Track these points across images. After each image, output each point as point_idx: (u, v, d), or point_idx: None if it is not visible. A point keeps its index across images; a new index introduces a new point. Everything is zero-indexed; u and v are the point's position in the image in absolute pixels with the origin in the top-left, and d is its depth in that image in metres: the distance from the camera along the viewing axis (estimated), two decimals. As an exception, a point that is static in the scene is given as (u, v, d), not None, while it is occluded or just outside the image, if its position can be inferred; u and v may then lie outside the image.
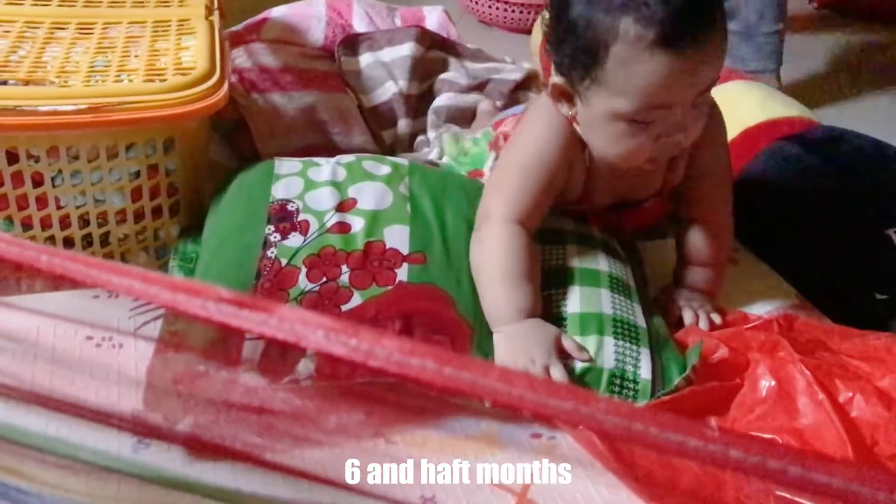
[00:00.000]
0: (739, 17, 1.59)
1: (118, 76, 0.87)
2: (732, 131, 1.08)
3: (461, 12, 1.98)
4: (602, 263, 0.87)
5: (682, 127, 0.77)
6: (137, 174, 0.88)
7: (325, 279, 0.79)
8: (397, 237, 0.83)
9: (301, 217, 0.84)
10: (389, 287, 0.79)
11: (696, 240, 0.91)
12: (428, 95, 1.26)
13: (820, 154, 1.05)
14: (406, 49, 1.27)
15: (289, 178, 0.89)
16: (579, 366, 0.77)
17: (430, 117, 1.22)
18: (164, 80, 0.85)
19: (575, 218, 0.92)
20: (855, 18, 2.09)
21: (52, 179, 0.86)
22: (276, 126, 1.13)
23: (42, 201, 0.87)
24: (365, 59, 1.28)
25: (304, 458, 0.68)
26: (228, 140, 1.14)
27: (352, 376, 0.75)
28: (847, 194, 1.01)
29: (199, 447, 0.66)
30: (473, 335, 0.79)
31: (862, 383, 0.74)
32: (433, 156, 1.11)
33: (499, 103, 1.23)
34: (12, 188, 0.85)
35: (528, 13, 1.90)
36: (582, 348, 0.77)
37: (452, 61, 1.31)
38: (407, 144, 1.22)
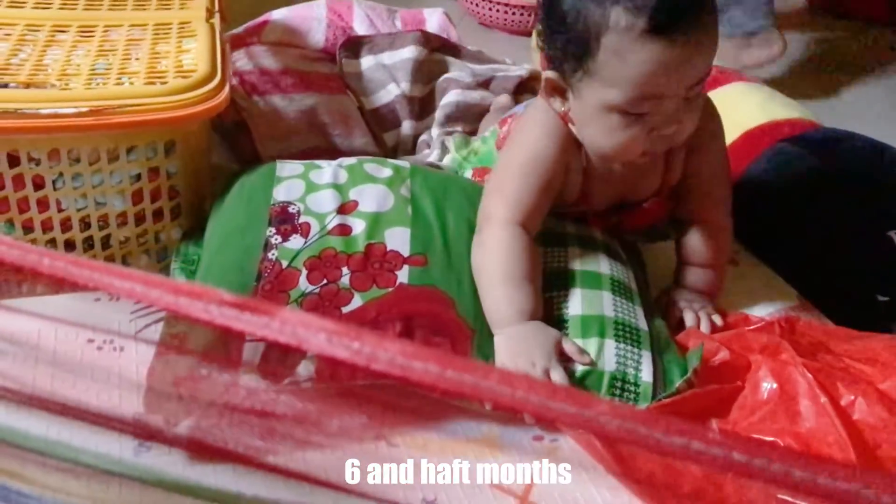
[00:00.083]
0: None
1: (119, 79, 0.87)
2: (733, 133, 1.08)
3: (461, 14, 1.98)
4: (603, 266, 0.87)
5: (676, 120, 0.77)
6: (138, 177, 0.88)
7: (325, 281, 0.79)
8: (398, 239, 0.83)
9: (302, 219, 0.84)
10: (390, 289, 0.79)
11: (696, 240, 0.91)
12: (431, 98, 1.26)
13: (821, 156, 1.05)
14: (408, 52, 1.27)
15: (290, 181, 0.89)
16: (580, 368, 0.76)
17: (438, 115, 1.22)
18: (165, 83, 0.85)
19: (576, 220, 0.92)
20: (848, 16, 2.08)
21: (54, 182, 0.86)
22: (277, 128, 1.13)
23: (43, 204, 0.87)
24: (366, 61, 1.28)
25: (305, 460, 0.68)
26: (229, 142, 1.14)
27: (352, 378, 0.75)
28: (848, 196, 1.01)
29: (200, 450, 0.66)
30: (474, 337, 0.79)
31: (864, 386, 0.73)
32: (433, 157, 1.11)
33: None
34: (13, 191, 0.85)
35: (529, 15, 1.90)
36: (583, 352, 0.77)
37: (455, 63, 1.31)
38: (411, 146, 1.22)
